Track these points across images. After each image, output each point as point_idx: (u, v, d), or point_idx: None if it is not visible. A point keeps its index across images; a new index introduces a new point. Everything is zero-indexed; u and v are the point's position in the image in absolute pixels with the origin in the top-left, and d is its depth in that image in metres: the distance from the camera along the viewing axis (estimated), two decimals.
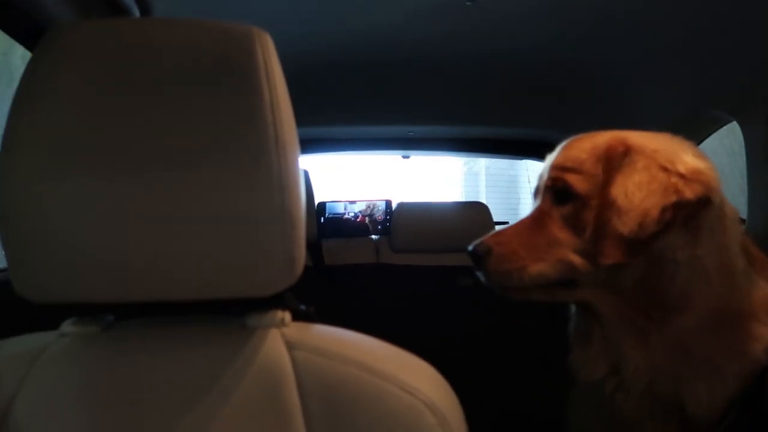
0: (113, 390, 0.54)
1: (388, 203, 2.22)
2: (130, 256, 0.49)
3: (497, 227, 2.08)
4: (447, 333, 1.80)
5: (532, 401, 1.63)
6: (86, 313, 0.58)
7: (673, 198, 0.75)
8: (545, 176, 0.89)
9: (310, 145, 2.34)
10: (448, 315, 1.88)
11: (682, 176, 0.77)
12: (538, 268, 0.84)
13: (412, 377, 0.53)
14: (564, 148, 0.90)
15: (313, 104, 1.81)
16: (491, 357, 1.82)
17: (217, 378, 0.53)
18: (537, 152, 2.38)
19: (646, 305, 0.81)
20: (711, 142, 1.64)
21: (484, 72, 1.72)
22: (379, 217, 2.22)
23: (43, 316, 0.59)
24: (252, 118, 0.49)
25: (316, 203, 2.08)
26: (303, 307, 0.64)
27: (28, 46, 1.07)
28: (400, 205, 2.03)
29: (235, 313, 0.57)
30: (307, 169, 1.69)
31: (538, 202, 0.90)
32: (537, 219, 0.88)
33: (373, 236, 2.17)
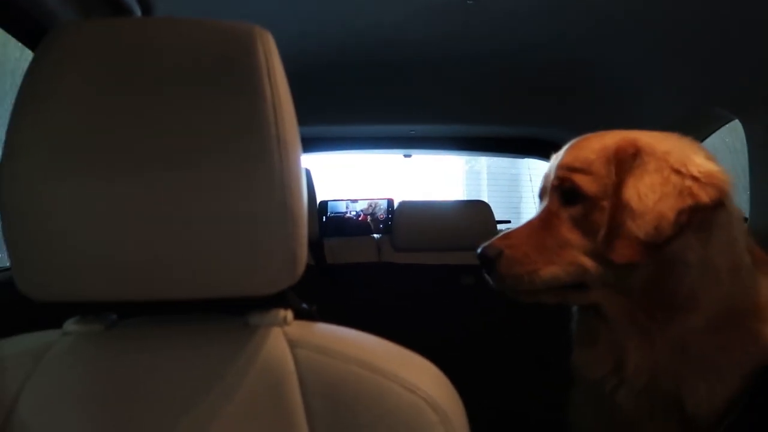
0: (116, 388, 0.54)
1: (390, 202, 2.23)
2: (132, 256, 0.49)
3: (499, 226, 2.08)
4: (449, 331, 1.80)
5: (533, 400, 1.64)
6: (89, 312, 0.59)
7: (689, 202, 0.75)
8: (552, 176, 0.88)
9: (311, 143, 2.34)
10: (450, 313, 1.88)
11: (695, 179, 0.76)
12: (551, 271, 0.83)
13: (414, 375, 0.53)
14: (571, 148, 0.89)
15: (314, 103, 1.81)
16: (493, 356, 1.82)
17: (220, 376, 0.53)
18: (538, 151, 2.38)
19: (653, 306, 0.81)
20: (713, 141, 1.64)
21: (485, 71, 1.72)
22: (381, 216, 2.22)
23: (45, 316, 0.59)
24: (254, 117, 0.49)
25: (318, 202, 2.08)
26: (305, 305, 0.64)
27: (30, 45, 1.08)
28: (402, 204, 2.03)
29: (237, 312, 0.58)
30: (309, 168, 1.69)
31: (546, 202, 0.89)
32: (545, 220, 0.87)
33: (375, 235, 2.17)
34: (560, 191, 0.86)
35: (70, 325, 0.58)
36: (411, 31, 1.45)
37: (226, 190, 0.49)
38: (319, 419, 0.52)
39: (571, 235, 0.84)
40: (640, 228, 0.76)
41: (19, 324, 0.65)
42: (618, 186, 0.80)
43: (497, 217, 2.06)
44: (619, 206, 0.79)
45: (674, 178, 0.77)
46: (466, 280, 1.93)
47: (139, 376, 0.54)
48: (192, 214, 0.49)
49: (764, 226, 1.29)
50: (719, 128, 1.58)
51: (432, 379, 0.55)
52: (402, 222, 1.98)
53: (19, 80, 0.50)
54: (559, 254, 0.83)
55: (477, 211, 2.00)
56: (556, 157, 0.91)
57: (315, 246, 1.89)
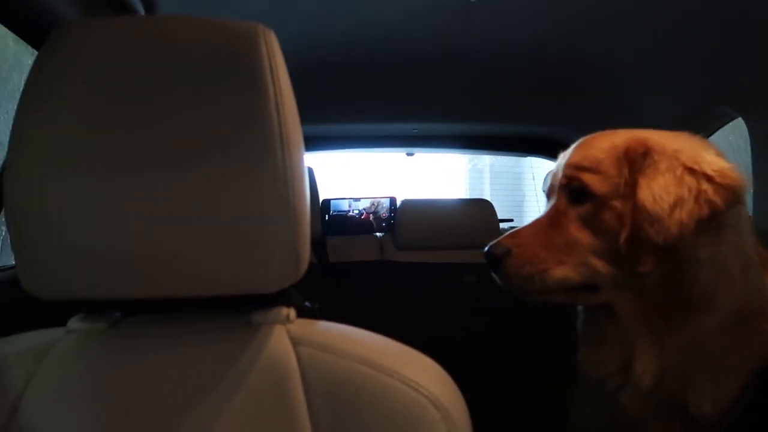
0: (120, 386, 0.54)
1: (393, 200, 2.22)
2: (136, 254, 0.49)
3: (501, 224, 2.08)
4: (450, 330, 1.80)
5: (535, 399, 1.64)
6: (93, 310, 0.59)
7: (707, 210, 0.74)
8: (560, 175, 0.88)
9: (314, 142, 2.34)
10: (452, 312, 1.88)
11: (710, 178, 0.75)
12: (562, 272, 0.83)
13: (416, 373, 0.53)
14: (579, 147, 0.88)
15: (317, 102, 1.81)
16: (495, 354, 1.82)
17: (223, 374, 0.54)
18: (541, 149, 2.37)
19: (667, 306, 0.80)
20: (715, 138, 1.63)
21: (487, 69, 1.72)
22: (384, 215, 2.21)
23: (49, 314, 0.60)
24: (257, 116, 0.49)
25: (321, 200, 2.08)
26: (308, 303, 0.64)
27: (34, 44, 1.08)
28: (405, 203, 2.03)
29: (240, 310, 0.58)
30: (312, 167, 1.69)
31: (553, 201, 0.88)
32: (553, 218, 0.86)
33: (378, 233, 2.17)
34: (568, 190, 0.85)
35: (73, 323, 0.58)
36: (413, 29, 1.44)
37: (229, 189, 0.49)
38: (321, 416, 0.52)
39: (579, 234, 0.83)
40: (659, 234, 0.75)
41: (23, 322, 0.65)
42: (632, 187, 0.79)
43: (500, 216, 2.05)
44: (635, 209, 0.78)
45: (688, 179, 0.76)
46: (469, 278, 1.93)
47: (143, 374, 0.54)
48: (196, 212, 0.49)
49: (767, 225, 1.28)
50: (722, 126, 1.58)
51: (434, 376, 0.55)
52: (404, 220, 1.98)
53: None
54: (568, 254, 0.83)
55: (479, 210, 2.00)
56: (564, 156, 0.90)
57: (317, 244, 1.89)
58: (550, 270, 0.82)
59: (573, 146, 0.90)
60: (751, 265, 0.81)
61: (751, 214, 1.33)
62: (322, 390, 0.52)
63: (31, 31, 1.05)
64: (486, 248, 0.87)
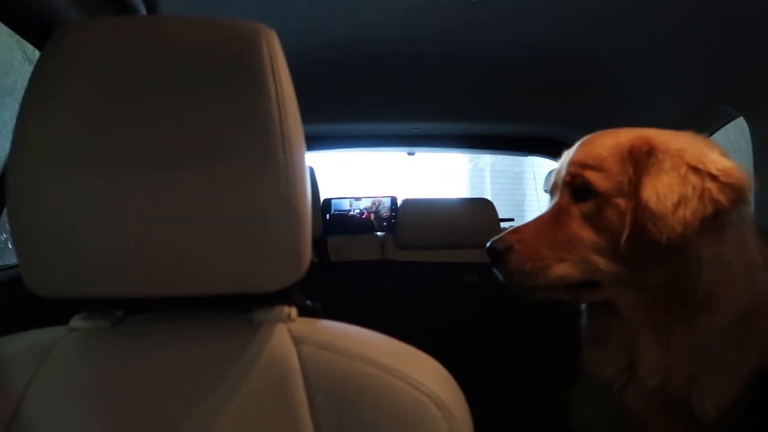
0: (122, 384, 0.54)
1: (394, 200, 2.22)
2: (138, 252, 0.49)
3: (502, 224, 2.08)
4: (451, 329, 1.80)
5: (537, 398, 1.64)
6: (95, 308, 0.59)
7: (711, 209, 0.74)
8: (563, 172, 0.88)
9: (315, 142, 2.34)
10: (453, 311, 1.89)
11: (714, 177, 0.75)
12: (563, 268, 0.83)
13: (417, 371, 0.53)
14: (584, 145, 0.88)
15: (317, 101, 1.81)
16: (496, 353, 1.83)
17: (225, 372, 0.54)
18: (542, 149, 2.37)
19: (672, 303, 0.80)
20: (716, 138, 1.63)
21: (488, 68, 1.72)
22: (385, 214, 2.22)
23: (52, 313, 0.60)
24: (259, 115, 0.50)
25: (322, 200, 2.08)
26: (309, 302, 0.64)
27: (37, 44, 1.08)
28: (405, 202, 2.03)
29: (241, 309, 0.58)
30: (313, 166, 1.69)
31: (556, 198, 0.88)
32: (556, 215, 0.86)
33: (379, 233, 2.17)
34: (572, 187, 0.86)
35: (76, 322, 0.58)
36: (414, 28, 1.44)
37: (231, 188, 0.49)
38: (323, 415, 0.52)
39: (582, 231, 0.83)
40: (662, 232, 0.75)
41: (25, 321, 0.65)
42: (636, 186, 0.79)
43: (500, 215, 2.05)
44: (638, 207, 0.78)
45: (692, 177, 0.76)
46: (470, 277, 1.93)
47: (145, 372, 0.55)
48: (197, 211, 0.49)
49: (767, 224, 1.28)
50: (723, 126, 1.58)
51: (435, 375, 0.55)
52: (405, 220, 1.98)
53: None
54: (570, 251, 0.83)
55: (480, 209, 2.00)
56: (568, 154, 0.90)
57: (318, 243, 1.89)
58: (551, 266, 0.83)
59: (577, 144, 0.90)
60: (754, 264, 0.81)
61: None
62: (324, 388, 0.53)
63: (33, 31, 1.06)
64: (488, 243, 0.87)
